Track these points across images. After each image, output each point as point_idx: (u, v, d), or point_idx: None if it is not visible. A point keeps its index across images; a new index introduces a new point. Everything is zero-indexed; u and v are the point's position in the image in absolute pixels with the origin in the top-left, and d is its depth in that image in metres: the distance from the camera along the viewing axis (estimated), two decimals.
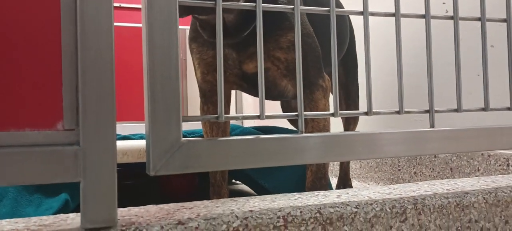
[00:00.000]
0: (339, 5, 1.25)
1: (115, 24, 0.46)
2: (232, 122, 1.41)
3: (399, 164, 1.35)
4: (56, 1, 0.45)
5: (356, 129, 1.57)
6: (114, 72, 0.46)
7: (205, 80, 0.95)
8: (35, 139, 0.45)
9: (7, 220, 0.49)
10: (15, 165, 0.43)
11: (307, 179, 0.91)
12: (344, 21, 1.20)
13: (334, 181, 1.40)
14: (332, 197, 0.57)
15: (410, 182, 1.32)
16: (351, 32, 1.29)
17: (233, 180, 1.65)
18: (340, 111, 0.54)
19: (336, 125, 1.40)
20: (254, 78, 0.90)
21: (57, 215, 0.51)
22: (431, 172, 1.22)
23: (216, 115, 0.51)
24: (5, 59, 0.44)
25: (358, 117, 1.36)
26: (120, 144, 0.99)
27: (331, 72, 0.55)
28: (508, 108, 0.63)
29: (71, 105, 0.46)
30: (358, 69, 1.30)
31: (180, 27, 0.54)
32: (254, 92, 0.99)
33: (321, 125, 0.89)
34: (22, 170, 0.44)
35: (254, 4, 0.52)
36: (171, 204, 0.59)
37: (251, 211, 0.51)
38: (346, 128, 1.36)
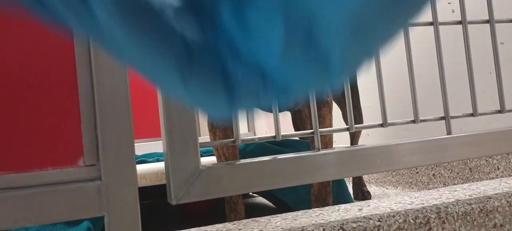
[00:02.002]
0: None
1: None
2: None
3: (417, 167, 1.34)
4: (70, 44, 0.46)
5: (368, 135, 1.56)
6: (130, 106, 0.47)
7: None
8: (58, 177, 0.46)
9: None
10: (40, 204, 0.44)
11: (313, 188, 0.93)
12: None
13: (349, 186, 1.39)
14: (353, 211, 0.57)
15: (429, 185, 1.30)
16: None
17: (250, 193, 1.65)
18: (356, 126, 0.54)
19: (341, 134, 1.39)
20: None
21: None
22: (450, 173, 1.21)
23: (232, 139, 0.51)
24: (24, 102, 0.45)
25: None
26: (137, 168, 1.00)
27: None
28: None
29: (91, 141, 0.47)
30: (367, 78, 1.30)
31: None
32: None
33: (327, 138, 0.92)
34: (47, 209, 0.44)
35: None
36: (193, 229, 0.59)
37: None
38: (352, 135, 1.36)
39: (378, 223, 0.53)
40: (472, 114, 0.59)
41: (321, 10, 0.15)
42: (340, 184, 1.08)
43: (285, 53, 0.15)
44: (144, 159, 1.19)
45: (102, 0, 0.15)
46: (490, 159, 1.08)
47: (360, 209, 0.58)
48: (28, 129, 0.45)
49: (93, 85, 0.46)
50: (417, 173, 1.34)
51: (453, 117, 0.58)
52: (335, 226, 0.52)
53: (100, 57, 0.45)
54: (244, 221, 0.60)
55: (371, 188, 1.49)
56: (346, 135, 1.40)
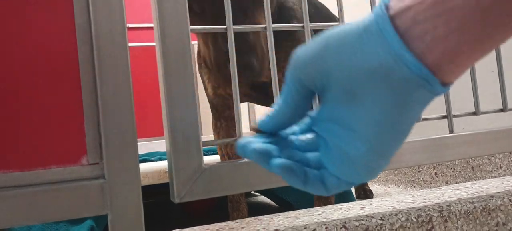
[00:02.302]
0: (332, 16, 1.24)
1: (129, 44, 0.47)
2: None
3: (419, 166, 1.34)
4: (73, 42, 0.46)
5: None
6: (133, 105, 0.47)
7: (216, 94, 0.96)
8: (61, 175, 0.46)
9: None
10: (44, 202, 0.45)
11: None
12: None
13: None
14: (355, 209, 0.57)
15: (431, 183, 1.30)
16: None
17: (253, 192, 1.66)
18: None
19: None
20: (262, 87, 0.90)
21: None
22: (452, 172, 1.21)
23: (235, 138, 0.52)
24: (28, 101, 0.45)
25: None
26: (141, 166, 1.00)
27: None
28: None
29: (94, 140, 0.47)
30: None
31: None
32: (262, 101, 0.99)
33: None
34: (51, 207, 0.45)
35: (265, 26, 0.53)
36: (195, 228, 0.59)
37: (276, 230, 0.52)
38: None
39: (381, 221, 0.53)
40: (474, 113, 0.59)
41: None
42: None
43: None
44: (146, 158, 1.20)
45: None
46: (493, 158, 1.08)
47: (362, 208, 0.58)
48: (31, 127, 0.45)
49: (96, 84, 0.46)
50: (419, 171, 1.34)
51: (455, 116, 0.58)
52: (337, 225, 0.52)
53: (103, 55, 0.45)
54: (247, 219, 0.60)
55: (373, 187, 1.49)
56: None
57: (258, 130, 0.37)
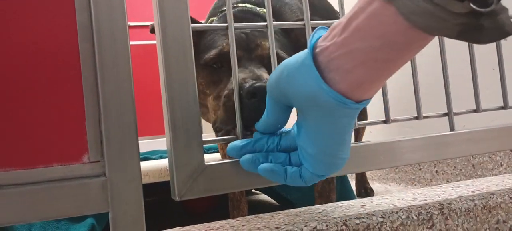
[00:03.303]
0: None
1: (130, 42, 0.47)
2: None
3: (420, 164, 1.34)
4: (74, 40, 0.46)
5: (371, 132, 1.56)
6: (135, 103, 0.47)
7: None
8: (62, 173, 0.46)
9: None
10: (46, 200, 0.45)
11: (317, 184, 0.93)
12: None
13: (352, 184, 1.39)
14: (356, 207, 0.57)
15: (432, 182, 1.30)
16: None
17: (253, 190, 1.66)
18: (359, 122, 0.54)
19: None
20: None
21: None
22: (453, 170, 1.21)
23: (235, 136, 0.52)
24: (29, 98, 0.45)
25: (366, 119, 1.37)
26: (141, 165, 1.01)
27: None
28: None
29: (95, 138, 0.47)
30: None
31: None
32: None
33: None
34: (52, 205, 0.45)
35: (266, 23, 0.53)
36: (196, 226, 0.59)
37: (277, 228, 0.52)
38: (356, 131, 1.37)
39: (381, 219, 0.53)
40: (475, 111, 0.59)
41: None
42: (343, 181, 1.08)
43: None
44: (147, 156, 1.20)
45: None
46: (493, 156, 1.08)
47: (363, 206, 0.58)
48: (32, 125, 0.46)
49: (97, 82, 0.46)
50: (420, 170, 1.34)
51: (456, 113, 0.58)
52: (338, 223, 0.52)
53: (104, 53, 0.45)
54: (248, 217, 0.60)
55: (374, 185, 1.49)
56: None
57: (255, 130, 0.51)
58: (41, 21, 0.45)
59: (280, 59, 0.68)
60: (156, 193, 1.53)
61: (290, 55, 0.68)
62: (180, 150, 0.48)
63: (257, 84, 0.58)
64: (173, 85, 0.47)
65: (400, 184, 1.44)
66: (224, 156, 1.04)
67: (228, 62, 0.69)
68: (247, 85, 0.58)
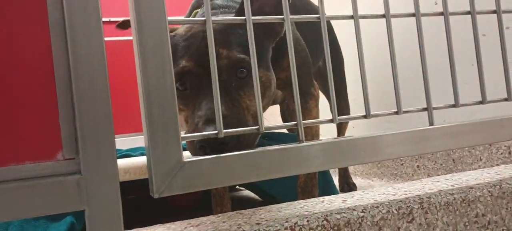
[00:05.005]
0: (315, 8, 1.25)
1: (106, 39, 0.46)
2: None
3: (402, 159, 1.35)
4: (46, 35, 0.44)
5: (354, 127, 1.57)
6: (110, 99, 0.46)
7: None
8: (36, 171, 0.45)
9: None
10: (18, 199, 0.43)
11: (299, 179, 0.93)
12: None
13: (335, 179, 1.40)
14: (337, 202, 0.57)
15: (413, 176, 1.31)
16: (330, 29, 1.32)
17: (237, 186, 1.65)
18: (339, 117, 0.54)
19: (328, 126, 1.40)
20: None
21: None
22: (434, 164, 1.22)
23: (215, 132, 0.51)
24: (0, 95, 0.44)
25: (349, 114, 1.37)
26: (121, 162, 0.99)
27: (318, 70, 0.55)
28: (506, 99, 0.63)
29: (70, 135, 0.46)
30: (353, 63, 1.31)
31: None
32: None
33: (314, 131, 0.93)
34: (26, 204, 0.43)
35: (244, 17, 0.52)
36: (177, 223, 0.58)
37: (258, 224, 0.51)
38: (339, 126, 1.37)
39: (362, 214, 0.53)
40: (454, 106, 0.59)
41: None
42: (326, 176, 1.08)
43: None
44: (128, 153, 1.18)
45: None
46: (473, 150, 1.09)
47: (344, 201, 0.58)
48: (3, 122, 0.44)
49: (71, 77, 0.45)
50: (402, 164, 1.35)
51: (435, 108, 0.58)
52: (319, 218, 0.52)
53: (78, 48, 0.44)
54: (229, 213, 0.60)
55: (357, 180, 1.50)
56: (334, 127, 1.41)
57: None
58: (11, 15, 0.44)
59: (246, 64, 0.66)
60: (138, 190, 1.51)
61: (259, 42, 0.66)
62: (158, 147, 0.47)
63: (204, 141, 0.57)
64: (149, 80, 0.46)
65: (382, 179, 1.45)
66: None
67: (191, 84, 0.68)
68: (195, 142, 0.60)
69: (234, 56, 0.67)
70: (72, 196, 0.45)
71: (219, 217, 0.58)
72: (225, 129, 0.51)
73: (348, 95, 1.40)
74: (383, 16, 0.57)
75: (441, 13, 0.60)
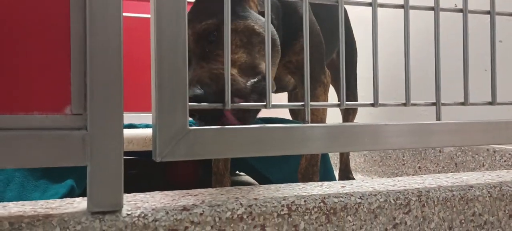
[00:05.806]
0: None
1: (123, 14, 0.46)
2: None
3: (404, 158, 1.35)
4: None
5: (359, 121, 1.57)
6: (122, 58, 0.47)
7: None
8: (43, 122, 0.46)
9: (14, 202, 0.50)
10: (23, 147, 0.44)
11: (300, 166, 0.94)
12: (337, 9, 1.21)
13: (336, 173, 1.40)
14: (336, 187, 0.57)
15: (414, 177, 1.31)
16: (346, 20, 1.30)
17: (237, 172, 1.66)
18: (347, 102, 0.54)
19: (335, 115, 1.40)
20: None
21: (64, 199, 0.52)
22: (436, 166, 1.22)
23: (222, 104, 0.51)
24: (14, 42, 0.44)
25: (357, 108, 1.37)
26: (125, 131, 1.00)
27: (332, 62, 0.55)
28: None
29: (79, 90, 0.46)
30: (365, 61, 1.30)
31: None
32: None
33: (319, 118, 0.93)
34: (30, 153, 0.44)
35: None
36: (176, 191, 0.59)
37: (255, 199, 0.52)
38: (345, 119, 1.37)
39: (359, 200, 0.53)
40: (463, 103, 0.59)
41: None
42: (327, 166, 1.08)
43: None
44: (132, 124, 1.19)
45: None
46: (476, 156, 1.09)
47: (343, 186, 0.58)
48: (16, 71, 0.45)
49: (86, 34, 0.45)
50: (404, 164, 1.35)
51: (443, 104, 0.58)
52: (316, 199, 0.52)
53: (95, 5, 0.44)
54: (227, 188, 0.60)
55: (357, 176, 1.50)
56: (340, 120, 1.41)
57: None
58: None
59: (211, 28, 0.67)
60: (139, 165, 1.52)
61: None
62: (165, 111, 0.47)
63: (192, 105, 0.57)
64: (163, 43, 0.46)
65: (382, 177, 1.45)
66: None
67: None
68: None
69: (197, 28, 0.69)
70: (76, 151, 0.46)
71: (217, 190, 0.59)
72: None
73: (358, 92, 1.40)
74: (401, 6, 0.57)
75: (460, 10, 0.60)
